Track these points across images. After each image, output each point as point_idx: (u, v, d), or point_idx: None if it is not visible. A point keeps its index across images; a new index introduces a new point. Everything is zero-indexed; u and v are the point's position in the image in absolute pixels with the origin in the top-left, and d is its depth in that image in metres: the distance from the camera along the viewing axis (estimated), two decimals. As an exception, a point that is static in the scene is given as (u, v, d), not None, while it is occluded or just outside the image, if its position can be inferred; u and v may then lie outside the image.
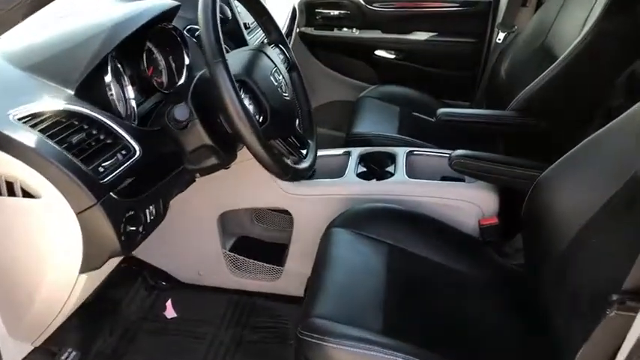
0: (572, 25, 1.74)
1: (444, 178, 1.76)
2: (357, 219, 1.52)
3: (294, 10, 2.37)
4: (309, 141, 1.30)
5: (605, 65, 1.60)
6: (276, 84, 1.14)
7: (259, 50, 1.18)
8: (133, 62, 1.22)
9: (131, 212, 0.96)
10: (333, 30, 2.68)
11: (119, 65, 1.14)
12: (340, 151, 1.88)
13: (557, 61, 1.65)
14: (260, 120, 1.07)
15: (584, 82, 1.63)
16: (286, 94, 1.17)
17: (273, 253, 1.90)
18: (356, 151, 1.85)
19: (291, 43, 2.16)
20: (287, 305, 1.83)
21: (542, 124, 1.69)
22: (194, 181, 1.29)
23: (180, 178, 1.17)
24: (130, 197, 0.97)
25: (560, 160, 1.28)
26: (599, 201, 1.08)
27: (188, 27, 1.44)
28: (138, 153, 1.01)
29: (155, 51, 1.34)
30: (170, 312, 1.82)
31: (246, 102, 1.03)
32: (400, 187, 1.64)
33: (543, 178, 1.32)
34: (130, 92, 1.16)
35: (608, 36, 1.55)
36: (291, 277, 1.81)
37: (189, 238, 1.85)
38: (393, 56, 2.64)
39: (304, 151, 1.24)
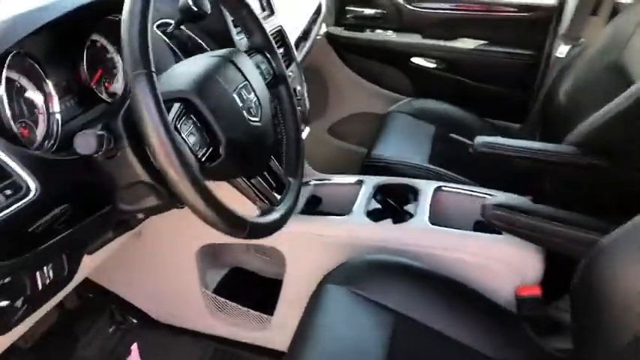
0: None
1: (478, 225, 1.46)
2: (358, 274, 1.25)
3: (319, 6, 2.09)
4: (291, 180, 1.02)
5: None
6: (240, 105, 0.86)
7: (225, 58, 0.90)
8: (69, 63, 0.98)
9: (6, 280, 0.70)
10: (364, 31, 2.43)
11: (38, 68, 0.89)
12: (352, 179, 1.61)
13: (635, 86, 1.31)
14: (208, 153, 0.80)
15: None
16: (256, 119, 0.89)
17: (269, 293, 1.63)
18: (371, 181, 1.57)
19: (309, 44, 1.89)
20: (274, 362, 1.56)
21: (608, 167, 1.36)
22: (139, 222, 1.03)
23: (107, 222, 0.91)
24: (11, 256, 0.71)
25: (632, 222, 0.97)
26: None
27: (158, 22, 1.18)
28: (33, 192, 0.75)
29: (112, 50, 1.09)
30: (134, 358, 1.57)
31: (185, 129, 0.76)
32: (419, 235, 1.35)
33: (605, 244, 1.01)
34: (55, 104, 0.91)
35: None
36: (281, 329, 1.54)
37: (165, 273, 1.60)
38: (432, 65, 2.37)
39: (279, 196, 0.96)
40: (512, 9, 2.21)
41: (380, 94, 2.46)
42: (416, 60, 2.38)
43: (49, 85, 0.91)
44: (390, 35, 2.39)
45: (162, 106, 0.70)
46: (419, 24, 2.34)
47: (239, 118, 0.86)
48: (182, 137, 0.75)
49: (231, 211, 0.77)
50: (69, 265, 0.81)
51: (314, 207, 1.60)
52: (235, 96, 0.86)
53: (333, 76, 2.50)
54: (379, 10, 2.38)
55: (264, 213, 0.90)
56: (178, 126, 0.75)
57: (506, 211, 1.21)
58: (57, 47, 0.94)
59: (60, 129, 0.91)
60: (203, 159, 0.78)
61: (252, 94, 0.91)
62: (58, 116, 0.92)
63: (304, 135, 1.61)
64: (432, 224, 1.37)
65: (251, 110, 0.89)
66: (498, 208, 1.21)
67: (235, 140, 0.84)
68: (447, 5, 2.29)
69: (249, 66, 0.95)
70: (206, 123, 0.80)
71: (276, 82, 1.06)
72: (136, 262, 1.62)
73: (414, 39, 2.35)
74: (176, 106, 0.78)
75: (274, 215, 0.90)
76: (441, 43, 2.31)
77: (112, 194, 0.88)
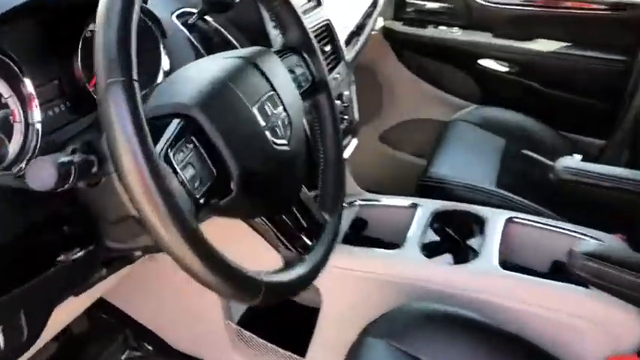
0: None
1: (555, 266, 1.24)
2: (407, 327, 1.06)
3: (376, -3, 1.89)
4: (327, 218, 0.81)
5: None
6: (262, 123, 0.67)
7: (247, 60, 0.71)
8: (62, 60, 0.81)
9: None
10: (426, 27, 2.22)
11: (12, 64, 0.72)
12: (406, 201, 1.40)
13: None
14: (213, 190, 0.60)
15: None
16: (282, 142, 0.69)
17: (302, 324, 1.44)
18: (428, 206, 1.37)
19: (362, 40, 1.68)
20: (303, 412, 1.37)
21: None
22: (138, 257, 0.86)
23: (91, 263, 0.73)
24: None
25: None
26: None
27: (179, 11, 1.00)
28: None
29: None
30: (146, 393, 1.42)
31: (181, 157, 0.57)
32: (485, 281, 1.14)
33: None
34: (35, 111, 0.74)
35: None
36: (312, 376, 1.36)
37: (185, 300, 1.43)
38: (504, 69, 2.13)
39: (310, 241, 0.76)
40: (601, 6, 1.96)
41: (441, 98, 2.25)
42: (484, 62, 2.15)
43: (27, 86, 0.74)
44: (456, 32, 2.17)
45: (144, 123, 0.51)
46: (489, 21, 2.12)
47: (259, 142, 0.66)
48: (173, 168, 0.56)
49: (237, 270, 0.58)
50: (29, 327, 0.64)
51: (358, 232, 1.41)
52: (256, 111, 0.67)
53: (389, 76, 2.30)
54: (444, 4, 2.17)
55: (287, 265, 0.71)
56: (170, 153, 0.56)
57: (600, 264, 0.97)
58: (41, 39, 0.77)
59: (39, 142, 0.74)
60: (203, 200, 0.59)
61: (280, 108, 0.71)
62: (38, 126, 0.75)
63: (351, 148, 1.41)
64: (502, 267, 1.15)
65: (277, 130, 0.69)
66: (590, 258, 0.98)
67: (252, 172, 0.64)
68: (523, 0, 2.06)
69: (278, 70, 0.76)
70: (212, 148, 0.61)
71: (314, 89, 0.86)
72: (153, 284, 1.46)
73: (483, 38, 2.13)
74: (173, 124, 0.59)
75: (300, 269, 0.70)
76: (515, 43, 2.08)
77: (96, 229, 0.71)
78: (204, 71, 0.67)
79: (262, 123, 0.67)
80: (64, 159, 0.57)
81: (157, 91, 0.65)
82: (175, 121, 0.60)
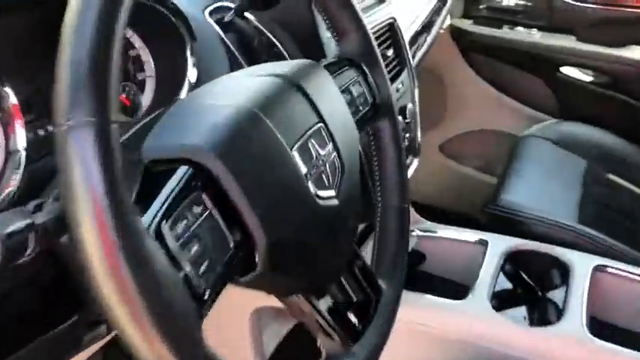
0: None
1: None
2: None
3: (445, -8, 1.72)
4: (384, 287, 0.63)
5: None
6: (303, 170, 0.49)
7: (287, 80, 0.53)
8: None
9: None
10: (501, 28, 2.04)
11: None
12: (473, 236, 1.23)
13: None
14: (224, 266, 0.43)
15: None
16: (329, 194, 0.52)
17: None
18: (499, 244, 1.19)
19: (429, 41, 1.50)
20: None
21: None
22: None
23: (76, 334, 0.58)
24: None
25: None
26: None
27: (213, 5, 0.85)
28: None
29: (139, 44, 0.79)
30: None
31: (183, 227, 0.39)
32: (571, 350, 0.95)
33: None
34: (19, 133, 0.61)
35: None
36: None
37: (212, 333, 1.29)
38: (588, 78, 1.94)
39: (360, 322, 0.58)
40: None
41: (514, 109, 2.06)
42: (566, 70, 1.96)
43: (9, 98, 0.60)
44: (534, 35, 1.99)
45: (120, 186, 0.35)
46: (574, 23, 1.93)
47: (298, 197, 0.49)
48: (167, 249, 0.39)
49: None
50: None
51: (415, 267, 1.23)
52: (296, 154, 0.50)
53: (455, 80, 2.13)
54: (522, 2, 2.00)
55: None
56: (165, 224, 0.40)
57: None
58: (31, 40, 0.64)
59: (22, 174, 0.59)
60: (210, 291, 0.42)
61: (330, 147, 0.54)
62: (22, 153, 0.60)
63: (411, 169, 1.24)
64: (590, 329, 0.96)
65: (323, 177, 0.52)
66: None
67: (286, 241, 0.47)
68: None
69: (330, 92, 0.58)
70: (231, 210, 0.44)
71: (374, 113, 0.68)
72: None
73: (567, 42, 1.94)
74: (177, 174, 0.43)
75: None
76: (603, 50, 1.88)
77: (81, 293, 0.56)
78: (230, 95, 0.50)
79: (303, 170, 0.50)
80: (18, 225, 0.41)
81: (165, 120, 0.49)
82: (181, 170, 0.43)
